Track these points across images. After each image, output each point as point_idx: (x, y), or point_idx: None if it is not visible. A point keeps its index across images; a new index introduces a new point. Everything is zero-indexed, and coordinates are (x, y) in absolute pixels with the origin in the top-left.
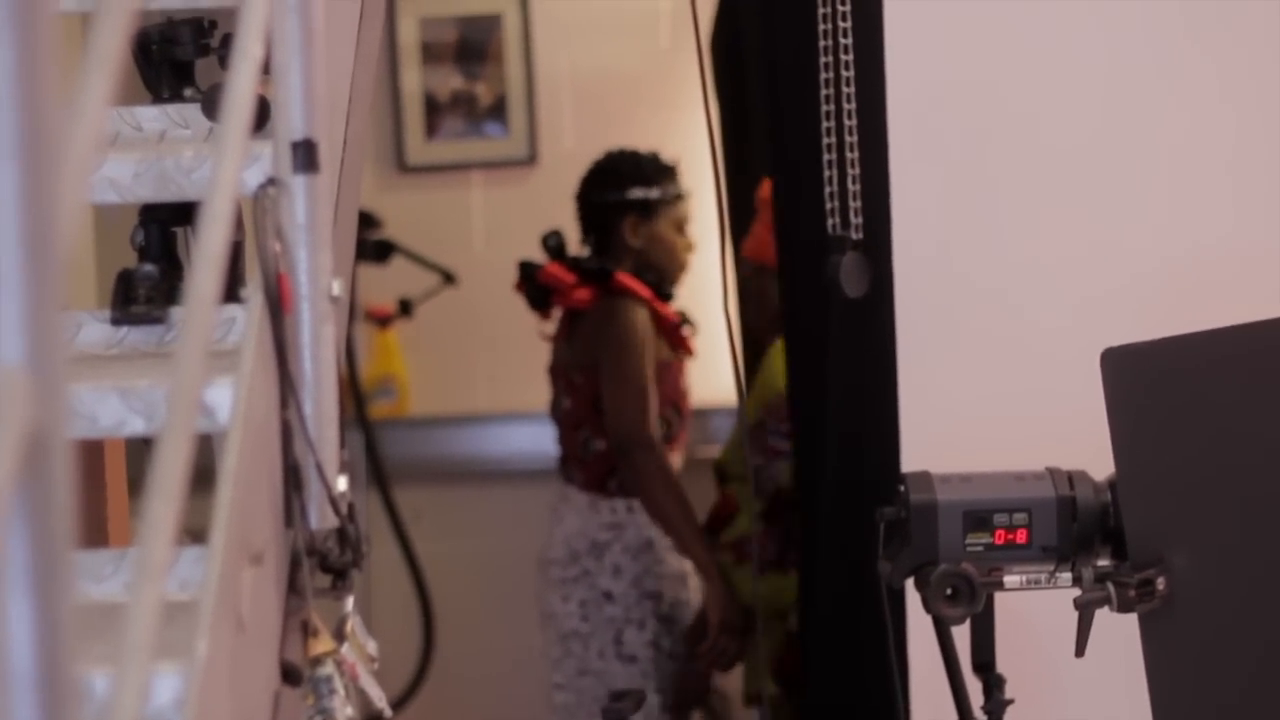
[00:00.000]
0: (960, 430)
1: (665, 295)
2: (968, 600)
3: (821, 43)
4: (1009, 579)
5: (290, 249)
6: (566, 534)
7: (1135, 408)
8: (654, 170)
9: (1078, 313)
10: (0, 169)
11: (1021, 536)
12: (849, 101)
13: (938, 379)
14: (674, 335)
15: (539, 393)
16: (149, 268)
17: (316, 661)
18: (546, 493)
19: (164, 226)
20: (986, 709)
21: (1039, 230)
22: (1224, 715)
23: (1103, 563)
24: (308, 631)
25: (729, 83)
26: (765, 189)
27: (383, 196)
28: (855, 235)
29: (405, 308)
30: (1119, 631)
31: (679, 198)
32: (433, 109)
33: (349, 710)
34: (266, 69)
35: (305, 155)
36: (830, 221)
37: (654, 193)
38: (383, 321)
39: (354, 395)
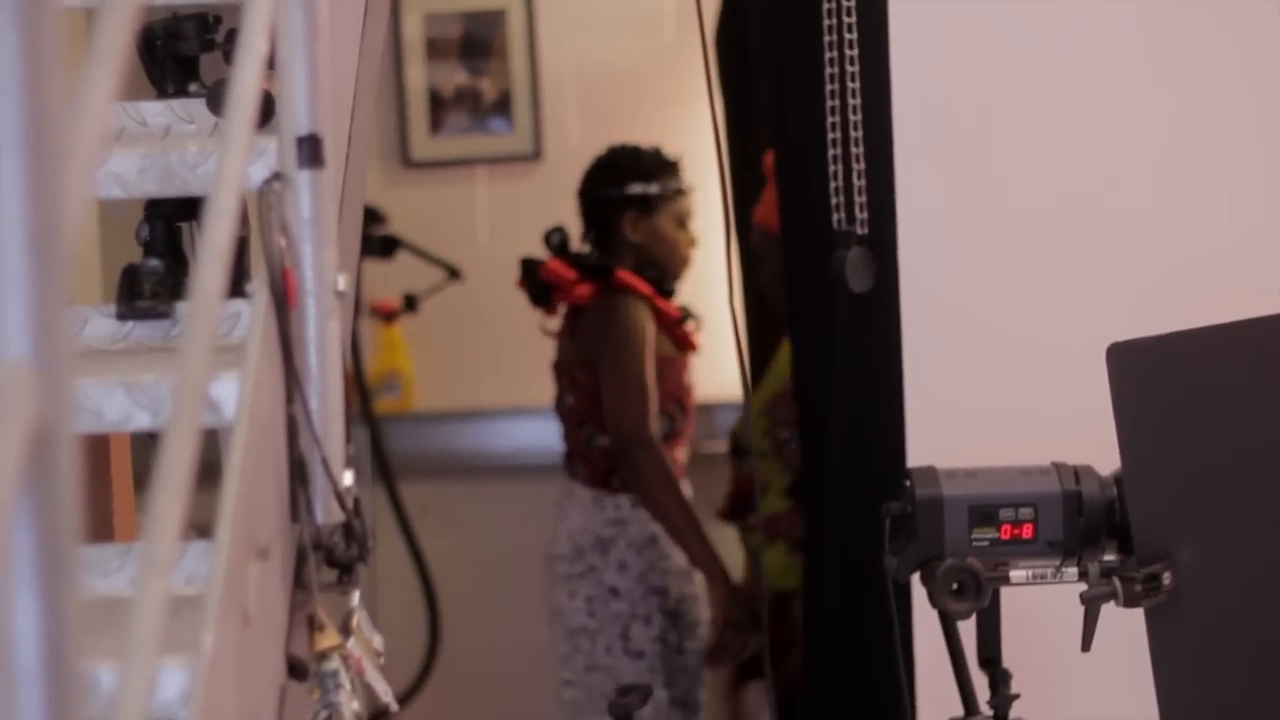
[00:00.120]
0: (966, 425)
1: (667, 291)
2: (973, 595)
3: (826, 38)
4: (1015, 574)
5: (295, 244)
6: (571, 530)
7: (1141, 402)
8: (654, 166)
9: (1083, 308)
10: (5, 164)
11: (1027, 531)
12: (854, 96)
13: (943, 374)
14: (676, 331)
15: (544, 388)
16: (154, 263)
17: (322, 656)
18: (551, 488)
19: (169, 221)
20: (992, 704)
21: (1044, 225)
22: (1230, 709)
23: (1109, 557)
24: (313, 626)
25: (733, 78)
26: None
27: (387, 192)
28: (860, 230)
29: (410, 303)
30: (1125, 626)
31: (679, 193)
32: (437, 104)
33: (355, 705)
34: (271, 64)
35: (310, 150)
36: (835, 216)
37: (653, 188)
38: (388, 317)
39: (359, 390)
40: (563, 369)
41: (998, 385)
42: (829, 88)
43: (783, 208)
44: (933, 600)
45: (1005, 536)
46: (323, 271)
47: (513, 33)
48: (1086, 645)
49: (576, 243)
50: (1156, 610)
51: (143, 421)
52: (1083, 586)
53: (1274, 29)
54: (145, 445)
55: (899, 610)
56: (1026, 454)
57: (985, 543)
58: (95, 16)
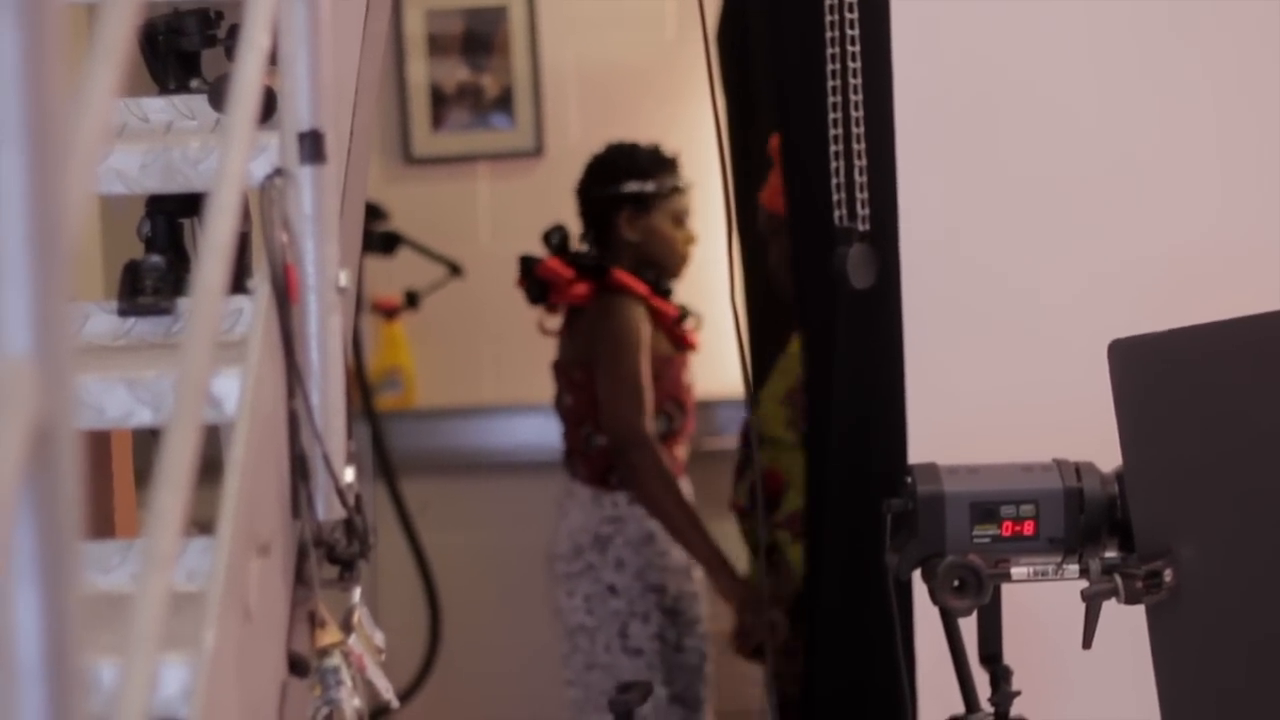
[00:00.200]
0: (967, 422)
1: (664, 290)
2: (975, 592)
3: (828, 33)
4: (1016, 571)
5: (297, 240)
6: (570, 529)
7: (1143, 399)
8: (650, 163)
9: (1085, 304)
10: (7, 160)
11: (1029, 528)
12: (856, 93)
13: (945, 370)
14: (673, 331)
15: (545, 385)
16: (156, 259)
17: (324, 652)
18: (552, 484)
19: (171, 217)
20: (993, 701)
21: (1046, 221)
22: (1231, 706)
23: (1110, 554)
24: (315, 622)
25: (735, 75)
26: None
27: (389, 188)
28: (862, 227)
29: (411, 299)
30: (1126, 623)
31: (675, 190)
32: (439, 100)
33: (356, 701)
34: (273, 60)
35: (312, 146)
36: (837, 213)
37: (649, 186)
38: (389, 313)
39: (360, 387)
40: (561, 368)
41: (999, 382)
42: (830, 84)
43: (788, 203)
44: (934, 597)
45: (1006, 533)
46: (324, 267)
47: (514, 29)
48: (1088, 642)
49: (577, 241)
50: (1158, 607)
51: (144, 418)
52: (1084, 583)
53: (1276, 21)
54: (147, 441)
55: (900, 607)
56: (1028, 450)
57: (986, 540)
58: (97, 12)
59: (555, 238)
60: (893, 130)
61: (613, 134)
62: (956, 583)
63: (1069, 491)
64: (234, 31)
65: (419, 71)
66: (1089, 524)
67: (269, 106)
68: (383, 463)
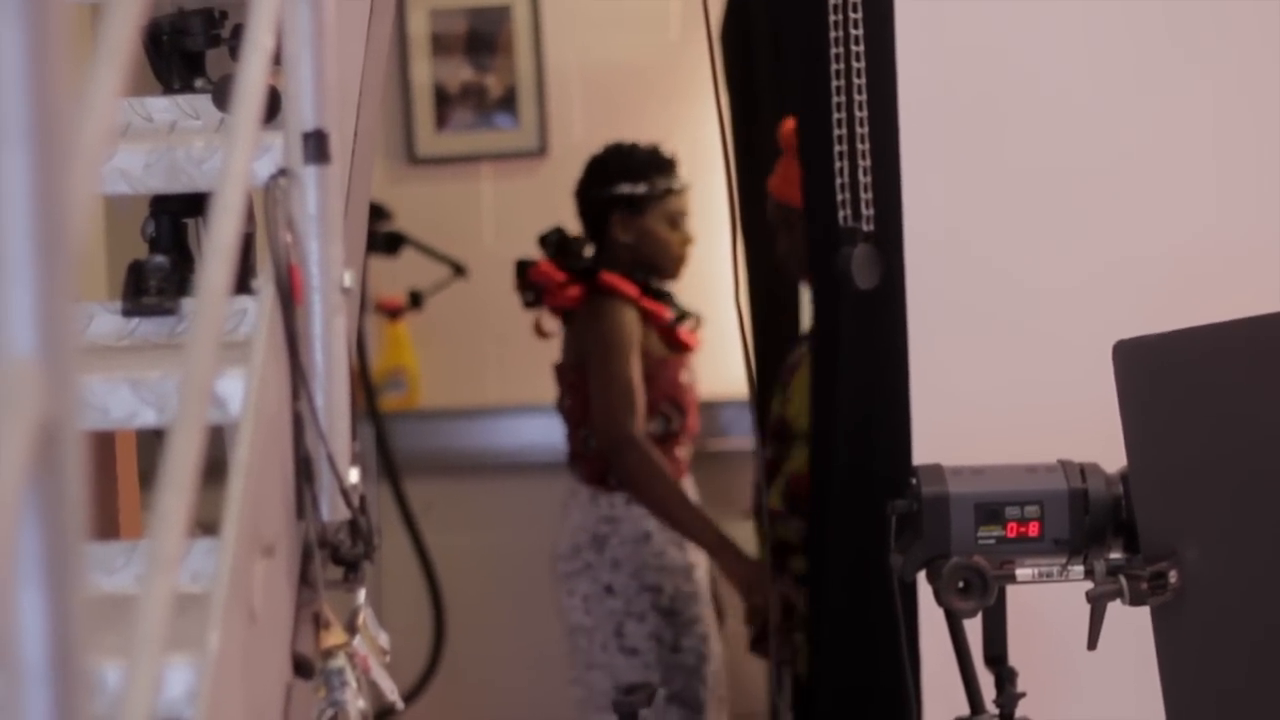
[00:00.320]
0: (972, 422)
1: (658, 292)
2: (980, 593)
3: (832, 34)
4: (1021, 572)
5: (301, 240)
6: (571, 528)
7: (1147, 400)
8: (644, 165)
9: (1090, 305)
10: (11, 160)
11: (1033, 529)
12: (860, 93)
13: (949, 371)
14: (668, 332)
15: (549, 385)
16: (160, 259)
17: (328, 654)
18: (556, 485)
19: (175, 218)
20: (999, 702)
21: (1051, 222)
22: (1236, 708)
23: (1115, 555)
24: (319, 624)
25: (739, 75)
26: (789, 124)
27: (393, 188)
28: (866, 227)
29: (415, 300)
30: (1131, 624)
31: (669, 192)
32: (443, 101)
33: (361, 703)
34: (277, 59)
35: (316, 146)
36: (841, 214)
37: (640, 188)
38: (393, 314)
39: (364, 387)
40: (561, 371)
41: (1004, 383)
42: (835, 84)
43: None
44: (938, 598)
45: (1011, 535)
46: (329, 268)
47: (518, 29)
48: (1093, 644)
49: (577, 243)
50: (1163, 608)
51: (148, 418)
52: (1089, 585)
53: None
54: (151, 442)
55: (905, 609)
56: (1033, 451)
57: (991, 541)
58: (101, 11)
59: (552, 239)
60: (897, 130)
61: (617, 134)
62: (961, 584)
63: (1074, 493)
64: (238, 31)
65: (423, 71)
66: (1094, 525)
67: (273, 106)
68: (387, 463)
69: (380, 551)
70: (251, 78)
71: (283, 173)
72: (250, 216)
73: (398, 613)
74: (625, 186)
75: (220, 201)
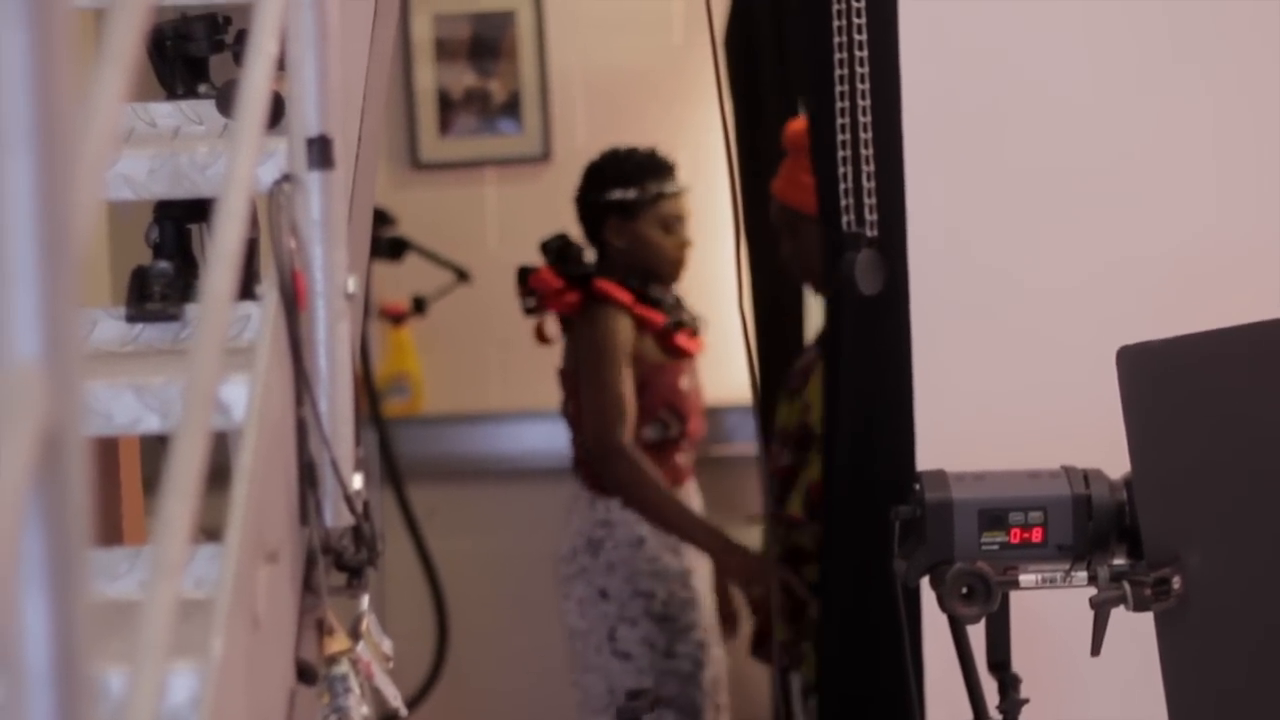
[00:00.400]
0: (975, 428)
1: (656, 298)
2: (983, 599)
3: (836, 39)
4: (1024, 578)
5: (305, 246)
6: (570, 532)
7: (1151, 406)
8: (636, 169)
9: (1093, 310)
10: (15, 165)
11: (1037, 535)
12: (864, 98)
13: (953, 377)
14: (665, 337)
15: (552, 391)
16: (164, 265)
17: (332, 660)
18: (560, 491)
19: (179, 223)
20: (1002, 708)
21: (1055, 228)
22: (1239, 713)
23: (1118, 561)
24: (323, 630)
25: (743, 79)
26: (793, 126)
27: (396, 194)
28: (870, 232)
29: (419, 305)
30: (1135, 630)
31: (660, 196)
32: (446, 106)
33: (364, 709)
34: (281, 65)
35: (320, 151)
36: (845, 219)
37: (631, 193)
38: (396, 319)
39: (368, 393)
40: (564, 376)
41: (1007, 388)
42: (839, 89)
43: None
44: (942, 604)
45: (1015, 540)
46: (333, 273)
47: (522, 34)
48: (1096, 649)
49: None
50: (1166, 614)
51: (152, 424)
52: (1092, 591)
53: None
54: (154, 448)
55: (908, 614)
56: (1036, 457)
57: (995, 546)
58: (105, 17)
59: (552, 247)
60: (900, 136)
61: (620, 139)
62: (965, 590)
63: (1077, 498)
64: (242, 37)
65: (426, 77)
66: (1097, 531)
67: (277, 112)
68: (390, 469)
69: (383, 557)
70: (255, 83)
71: (286, 178)
72: (254, 222)
73: (401, 618)
74: (617, 192)
75: (224, 207)
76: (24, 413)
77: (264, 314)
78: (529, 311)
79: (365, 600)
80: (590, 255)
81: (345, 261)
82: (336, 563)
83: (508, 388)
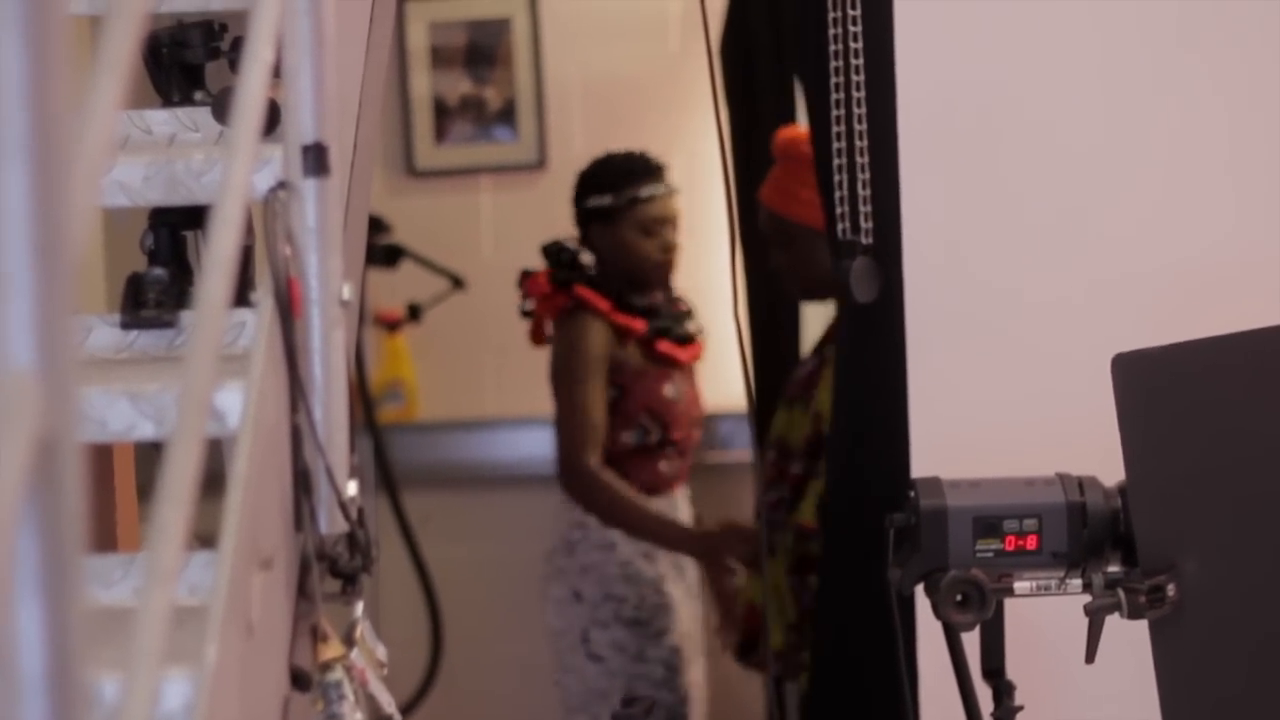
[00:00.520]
0: (970, 435)
1: (639, 304)
2: (977, 606)
3: (832, 46)
4: (1019, 585)
5: (300, 253)
6: (552, 532)
7: (1146, 413)
8: (613, 174)
9: (1088, 318)
10: (11, 172)
11: (1032, 542)
12: (859, 106)
13: (948, 384)
14: (648, 344)
15: (546, 398)
16: (159, 271)
17: (326, 667)
18: (554, 497)
19: (174, 230)
20: (996, 715)
21: (1050, 234)
22: None
23: (1113, 569)
24: (317, 637)
25: (739, 87)
26: (783, 134)
27: (392, 201)
28: (865, 240)
29: (414, 312)
30: (1129, 638)
31: (635, 200)
32: (442, 113)
33: (358, 715)
34: (277, 72)
35: (316, 159)
36: (840, 226)
37: (607, 199)
38: (391, 326)
39: (362, 400)
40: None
41: (1002, 396)
42: (834, 96)
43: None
44: (937, 612)
45: (1009, 548)
46: (328, 281)
47: (517, 41)
48: (1090, 657)
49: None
50: (1161, 622)
51: (147, 431)
52: (1087, 598)
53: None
54: (149, 455)
55: (903, 622)
56: (1031, 464)
57: (989, 554)
58: (101, 24)
59: (550, 251)
60: (896, 143)
61: (616, 146)
62: (959, 597)
63: (1072, 506)
64: (238, 44)
65: (422, 84)
66: (1092, 538)
67: (273, 119)
68: (384, 476)
69: (378, 564)
70: (251, 90)
71: (282, 185)
72: (249, 229)
73: (395, 625)
74: (594, 199)
75: (219, 214)
76: (19, 419)
77: (259, 321)
78: (525, 314)
79: (360, 607)
80: (590, 260)
81: (340, 268)
82: (331, 569)
83: (502, 395)
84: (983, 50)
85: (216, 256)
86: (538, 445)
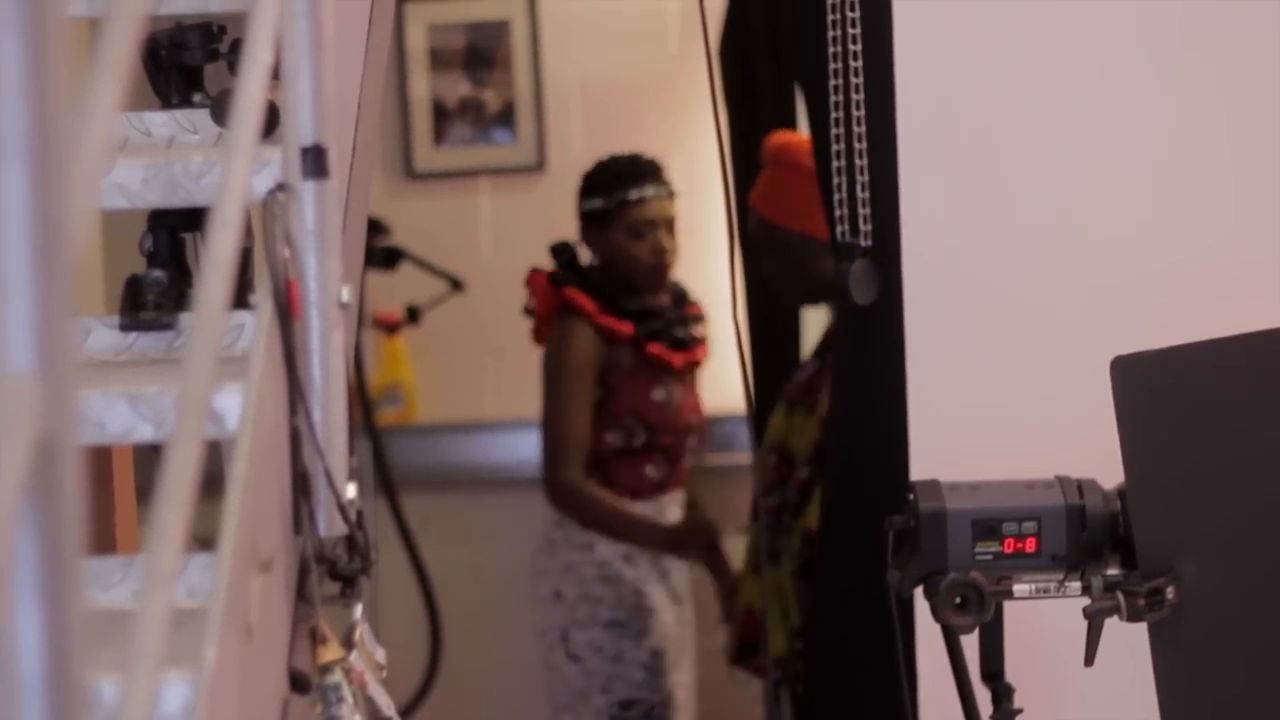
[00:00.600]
0: (969, 438)
1: (631, 308)
2: (976, 609)
3: (831, 49)
4: (1018, 588)
5: (299, 255)
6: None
7: (1145, 416)
8: (604, 177)
9: (1088, 320)
10: (10, 174)
11: (1031, 545)
12: (858, 108)
13: (947, 386)
14: (638, 347)
15: None
16: (158, 273)
17: (325, 669)
18: None
19: (173, 232)
20: (995, 718)
21: (1049, 237)
22: None
23: (1112, 572)
24: (316, 639)
25: (738, 89)
26: (773, 139)
27: (391, 203)
28: (864, 242)
29: (413, 315)
30: (1128, 641)
31: (624, 204)
32: (441, 115)
33: (357, 718)
34: (276, 74)
35: (315, 161)
36: (839, 228)
37: (597, 202)
38: (390, 328)
39: (361, 402)
40: None
41: (1001, 398)
42: (833, 99)
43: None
44: (935, 614)
45: (1008, 550)
46: (327, 283)
47: (516, 44)
48: (1090, 660)
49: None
50: (1160, 625)
51: (146, 433)
52: (1086, 601)
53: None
54: (148, 457)
55: (901, 624)
56: (1030, 467)
57: (988, 557)
58: (100, 26)
59: (555, 250)
60: (895, 145)
61: (615, 149)
62: (958, 600)
63: (1071, 508)
64: (237, 46)
65: (421, 86)
66: (1091, 541)
67: (272, 121)
68: (384, 478)
69: (377, 566)
70: (250, 92)
71: (281, 187)
72: (248, 231)
73: (394, 628)
74: (588, 201)
75: (218, 216)
76: (18, 421)
77: (258, 323)
78: (527, 312)
79: (359, 609)
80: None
81: (339, 271)
82: (330, 572)
83: (501, 397)
84: (982, 52)
85: (215, 258)
86: (536, 448)
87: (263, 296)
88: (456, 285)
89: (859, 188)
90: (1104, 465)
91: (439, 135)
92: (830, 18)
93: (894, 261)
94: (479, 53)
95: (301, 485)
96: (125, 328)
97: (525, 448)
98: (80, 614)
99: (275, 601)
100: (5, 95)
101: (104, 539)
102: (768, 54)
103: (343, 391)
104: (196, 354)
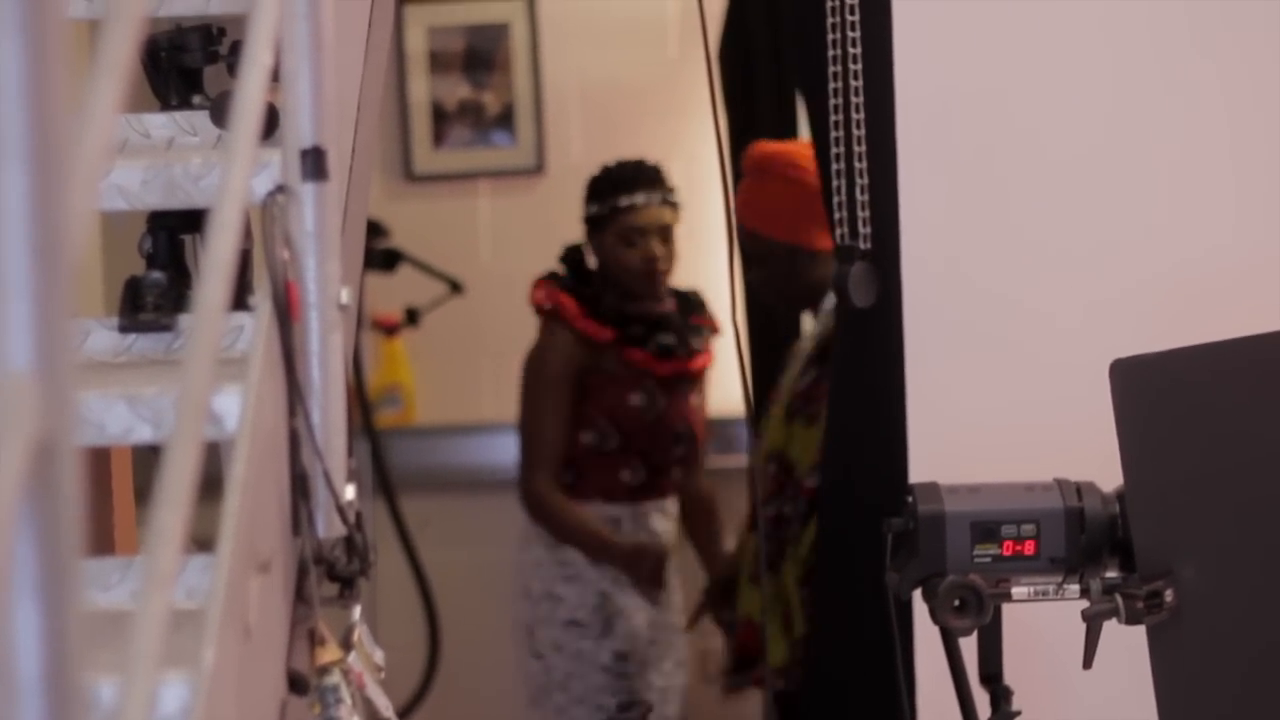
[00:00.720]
0: (968, 441)
1: (628, 312)
2: (975, 612)
3: (831, 51)
4: (1017, 590)
5: (299, 257)
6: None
7: (1144, 419)
8: (605, 183)
9: (1087, 323)
10: (9, 175)
11: (1029, 548)
12: (857, 111)
13: (946, 389)
14: (623, 352)
15: None
16: (157, 275)
17: (323, 670)
18: None
19: (172, 234)
20: None
21: (1048, 240)
22: None
23: (1111, 574)
24: (315, 640)
25: (737, 92)
26: (755, 149)
27: (390, 205)
28: (864, 245)
29: (412, 317)
30: (1127, 643)
31: (615, 210)
32: (440, 118)
33: (355, 719)
34: (275, 76)
35: (314, 163)
36: (838, 231)
37: (592, 208)
38: (389, 330)
39: (360, 404)
40: None
41: (1001, 401)
42: (832, 102)
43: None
44: (934, 617)
45: (1007, 553)
46: (326, 285)
47: (516, 46)
48: (1088, 663)
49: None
50: (1159, 628)
51: (144, 434)
52: (1084, 603)
53: None
54: (147, 458)
55: (900, 627)
56: (1029, 470)
57: (987, 559)
58: (100, 27)
59: (565, 255)
60: (895, 148)
61: (615, 152)
62: (957, 602)
63: (1070, 511)
64: (236, 48)
65: (420, 88)
66: (1090, 544)
67: (271, 123)
68: (382, 480)
69: (376, 568)
70: (249, 94)
71: (280, 189)
72: (247, 233)
73: (393, 629)
74: (586, 207)
75: (218, 218)
76: (17, 423)
77: (257, 325)
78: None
79: (357, 611)
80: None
81: (338, 273)
82: (328, 573)
83: (500, 399)
84: (981, 56)
85: (215, 260)
86: None
87: (262, 298)
88: (455, 287)
89: (859, 191)
90: (1103, 468)
91: (438, 137)
92: (830, 21)
93: (893, 264)
94: (478, 55)
95: (300, 487)
96: (124, 329)
97: None
98: (79, 615)
99: (274, 603)
100: (5, 96)
101: (103, 540)
102: (767, 57)
103: (342, 393)
104: (195, 355)
